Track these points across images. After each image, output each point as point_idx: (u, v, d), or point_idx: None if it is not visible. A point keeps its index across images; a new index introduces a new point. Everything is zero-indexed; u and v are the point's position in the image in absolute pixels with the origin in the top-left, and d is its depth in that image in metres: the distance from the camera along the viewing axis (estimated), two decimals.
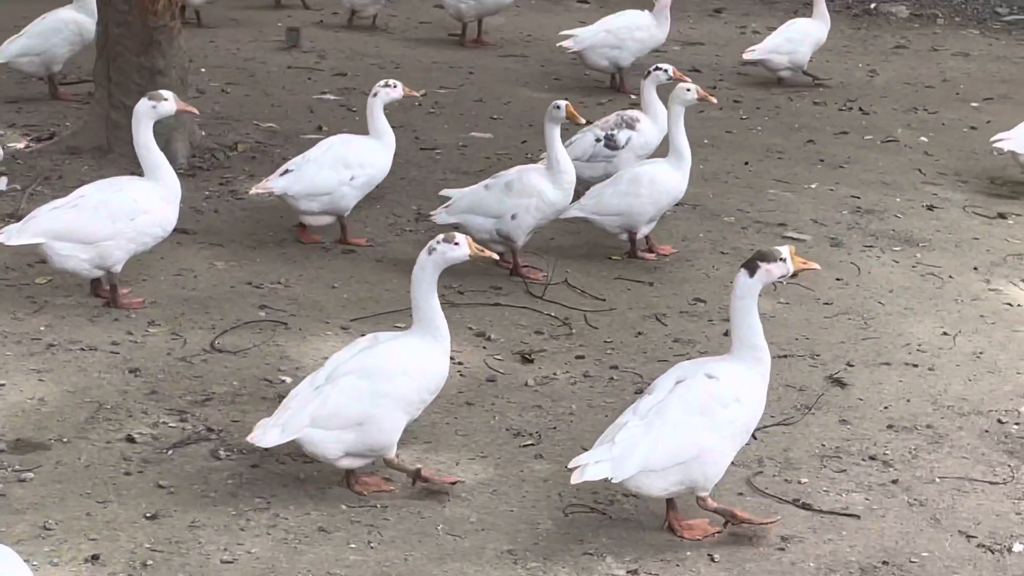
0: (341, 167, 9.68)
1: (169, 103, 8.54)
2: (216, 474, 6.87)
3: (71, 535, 6.29)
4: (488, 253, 6.83)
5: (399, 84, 9.88)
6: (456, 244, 6.62)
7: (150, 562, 6.13)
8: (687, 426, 6.30)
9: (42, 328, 8.39)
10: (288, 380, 7.88)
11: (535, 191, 9.38)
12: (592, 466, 6.23)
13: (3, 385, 7.67)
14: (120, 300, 8.71)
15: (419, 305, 6.67)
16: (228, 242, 9.94)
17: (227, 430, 7.30)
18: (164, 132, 11.23)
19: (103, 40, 11.49)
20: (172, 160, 10.87)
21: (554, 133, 9.38)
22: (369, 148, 9.83)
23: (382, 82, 9.91)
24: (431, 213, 9.75)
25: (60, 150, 11.55)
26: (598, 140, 10.76)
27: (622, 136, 10.76)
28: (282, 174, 9.71)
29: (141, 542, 6.27)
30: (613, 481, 6.25)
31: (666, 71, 10.59)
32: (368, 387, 6.51)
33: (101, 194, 8.59)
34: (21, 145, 11.80)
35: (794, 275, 6.50)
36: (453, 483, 6.78)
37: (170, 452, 7.06)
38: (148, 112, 8.53)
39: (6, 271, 9.18)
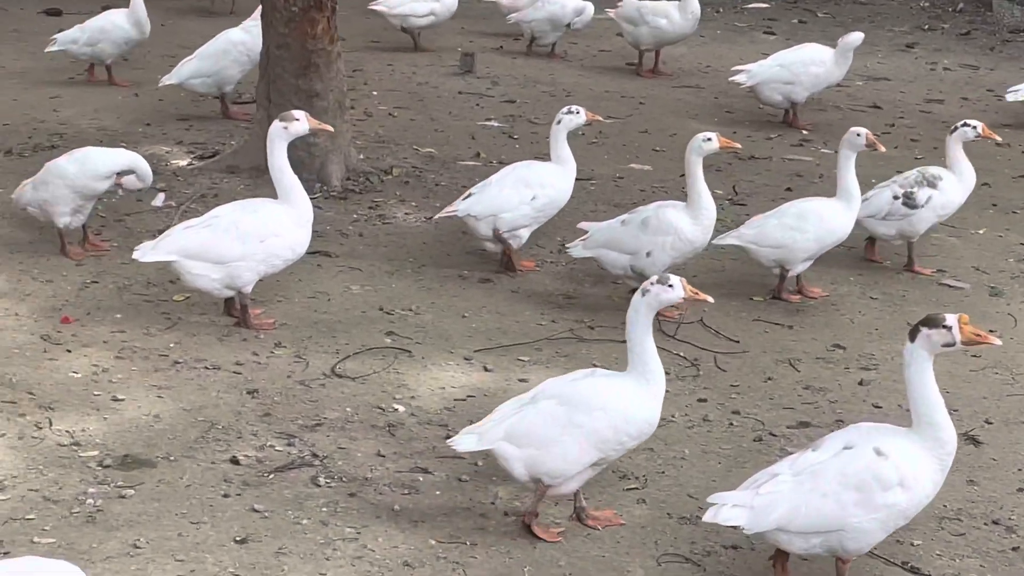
0: (522, 187, 9.65)
1: (301, 123, 8.60)
2: (312, 501, 6.86)
3: (159, 555, 6.33)
4: (703, 296, 6.68)
5: (582, 110, 9.81)
6: (670, 286, 6.50)
7: None
8: (838, 499, 6.03)
9: (171, 345, 8.51)
10: (401, 409, 7.85)
11: (672, 228, 9.21)
12: (728, 508, 6.07)
13: (122, 400, 7.78)
14: (250, 320, 8.79)
15: (633, 347, 6.55)
16: (367, 266, 9.98)
17: (331, 457, 7.30)
18: (320, 154, 11.41)
19: (265, 61, 11.68)
20: (326, 182, 11.07)
21: (697, 167, 9.20)
22: (552, 172, 9.80)
23: (565, 109, 9.84)
24: (569, 246, 9.64)
25: (220, 168, 11.75)
26: (896, 197, 10.34)
27: (922, 194, 10.38)
28: (465, 198, 9.71)
29: (226, 566, 6.29)
30: (746, 533, 6.04)
31: (974, 128, 10.20)
32: (564, 414, 6.48)
33: (234, 215, 8.69)
34: (184, 163, 12.03)
35: (968, 343, 6.11)
36: (615, 524, 6.72)
37: (271, 476, 7.08)
38: (280, 134, 8.61)
39: (148, 287, 9.34)
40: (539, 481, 6.53)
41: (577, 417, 6.46)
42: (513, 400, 6.74)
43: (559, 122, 9.79)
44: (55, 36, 14.28)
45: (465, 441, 6.51)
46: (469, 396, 8.08)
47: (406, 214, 11.15)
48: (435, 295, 9.58)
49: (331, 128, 8.85)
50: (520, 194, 9.68)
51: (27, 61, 15.46)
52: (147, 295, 9.23)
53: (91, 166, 9.56)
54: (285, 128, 8.60)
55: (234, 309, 8.90)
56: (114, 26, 14.02)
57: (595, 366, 8.47)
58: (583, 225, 9.77)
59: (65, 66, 14.98)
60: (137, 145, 12.24)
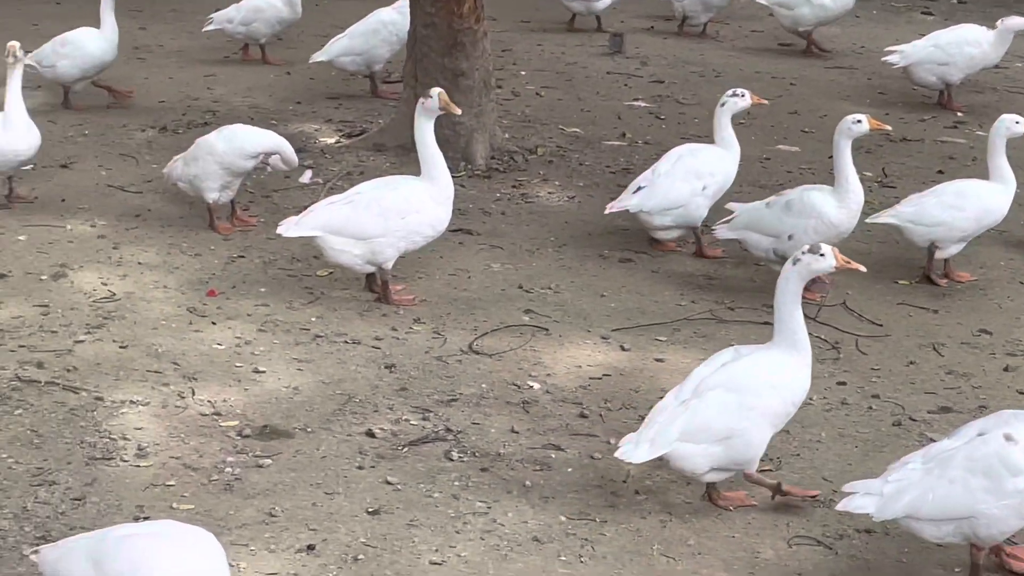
0: (693, 178, 9.61)
1: (433, 100, 8.65)
2: (444, 475, 6.92)
3: (293, 524, 6.44)
4: (855, 265, 6.66)
5: (747, 93, 9.73)
6: (821, 255, 6.50)
7: (361, 557, 6.22)
8: (965, 485, 5.91)
9: (313, 319, 8.64)
10: (536, 386, 7.88)
11: (816, 212, 9.09)
12: (859, 497, 6.03)
13: (264, 372, 7.92)
14: (391, 296, 8.89)
15: (782, 317, 6.55)
16: (508, 245, 10.02)
17: (465, 432, 7.35)
18: (466, 133, 11.47)
19: (412, 41, 11.78)
20: (470, 161, 11.13)
21: (846, 149, 9.07)
22: (717, 156, 9.73)
23: (730, 91, 9.76)
24: (713, 226, 9.57)
25: (367, 146, 11.89)
26: None
27: None
28: (635, 191, 9.70)
29: (358, 536, 6.37)
30: (875, 519, 5.99)
31: None
32: (736, 400, 6.47)
33: (376, 192, 8.79)
34: (332, 140, 12.19)
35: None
36: (814, 496, 6.67)
37: (405, 449, 7.16)
38: (420, 111, 8.68)
39: (292, 262, 9.49)
40: (727, 470, 6.57)
41: (749, 400, 6.46)
42: (670, 396, 6.65)
43: (723, 104, 9.71)
44: (212, 16, 14.54)
45: (639, 452, 6.41)
46: (605, 375, 8.07)
47: (549, 193, 11.17)
48: (575, 274, 9.58)
49: (458, 110, 8.87)
50: (692, 185, 9.63)
51: (184, 40, 15.78)
52: (291, 270, 9.37)
53: (239, 143, 9.73)
54: (423, 104, 8.67)
55: (375, 285, 8.99)
56: (268, 5, 14.25)
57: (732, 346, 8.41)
58: (731, 205, 9.67)
59: (221, 45, 15.26)
60: (287, 123, 12.44)
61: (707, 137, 12.07)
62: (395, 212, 8.66)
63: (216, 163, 9.71)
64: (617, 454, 6.50)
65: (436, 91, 8.75)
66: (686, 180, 9.60)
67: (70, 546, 5.38)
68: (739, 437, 6.46)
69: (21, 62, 9.83)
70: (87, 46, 12.33)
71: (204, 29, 14.60)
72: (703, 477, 6.57)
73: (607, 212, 9.79)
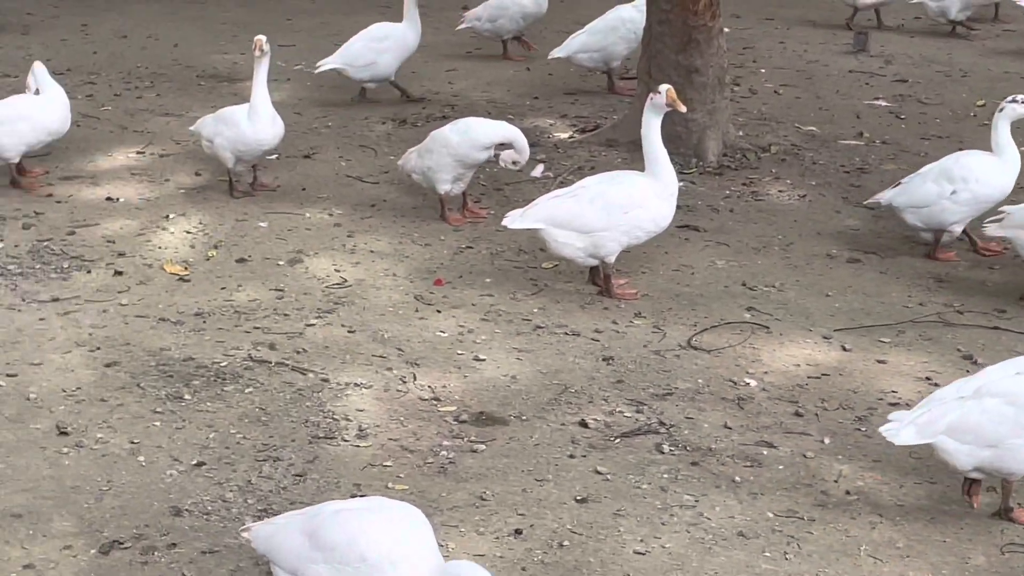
0: (944, 180, 9.47)
1: (660, 96, 8.69)
2: (654, 467, 6.98)
3: (502, 508, 6.58)
4: None
5: None
6: None
7: (567, 543, 6.32)
8: (999, 413, 6.31)
9: (535, 310, 8.78)
10: (752, 384, 7.87)
11: None
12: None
13: (483, 360, 8.09)
14: (614, 290, 8.97)
15: None
16: (735, 242, 10.00)
17: (678, 426, 7.39)
18: (698, 130, 11.49)
19: (647, 37, 11.84)
20: (702, 157, 11.15)
21: None
22: (983, 164, 9.48)
23: (1010, 97, 9.51)
24: (984, 224, 9.30)
25: (599, 142, 12.00)
26: None
27: None
28: (895, 186, 9.65)
29: (564, 523, 6.48)
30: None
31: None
32: (1012, 414, 6.38)
33: (600, 186, 8.88)
34: (565, 135, 12.33)
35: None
36: None
37: (617, 440, 7.23)
38: (648, 107, 8.74)
39: (519, 254, 9.65)
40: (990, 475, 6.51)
41: None
42: (951, 389, 6.58)
43: (1001, 110, 9.49)
44: (464, 14, 14.87)
45: (904, 434, 6.39)
46: (824, 375, 8.02)
47: (780, 191, 11.10)
48: (800, 273, 9.51)
49: (684, 107, 8.87)
50: (940, 188, 9.46)
51: (431, 36, 16.05)
52: (517, 262, 9.53)
53: (472, 136, 9.92)
54: (650, 100, 8.73)
55: (598, 278, 9.08)
56: (513, 2, 14.48)
57: (958, 351, 8.27)
58: (1004, 208, 9.40)
59: (464, 40, 15.55)
60: (523, 118, 12.62)
61: (949, 138, 11.88)
62: (618, 207, 8.74)
63: (449, 155, 9.93)
64: (882, 430, 6.48)
65: (664, 87, 8.78)
66: (936, 182, 9.43)
67: (283, 522, 5.61)
68: (1008, 451, 6.36)
69: (267, 55, 10.19)
70: (405, 38, 12.70)
71: (457, 28, 14.90)
72: (966, 473, 6.49)
73: (866, 202, 9.77)
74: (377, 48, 12.74)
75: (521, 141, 9.84)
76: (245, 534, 5.74)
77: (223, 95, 13.13)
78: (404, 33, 12.79)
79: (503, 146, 9.89)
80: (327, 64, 12.70)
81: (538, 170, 11.29)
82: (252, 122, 10.24)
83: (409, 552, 5.25)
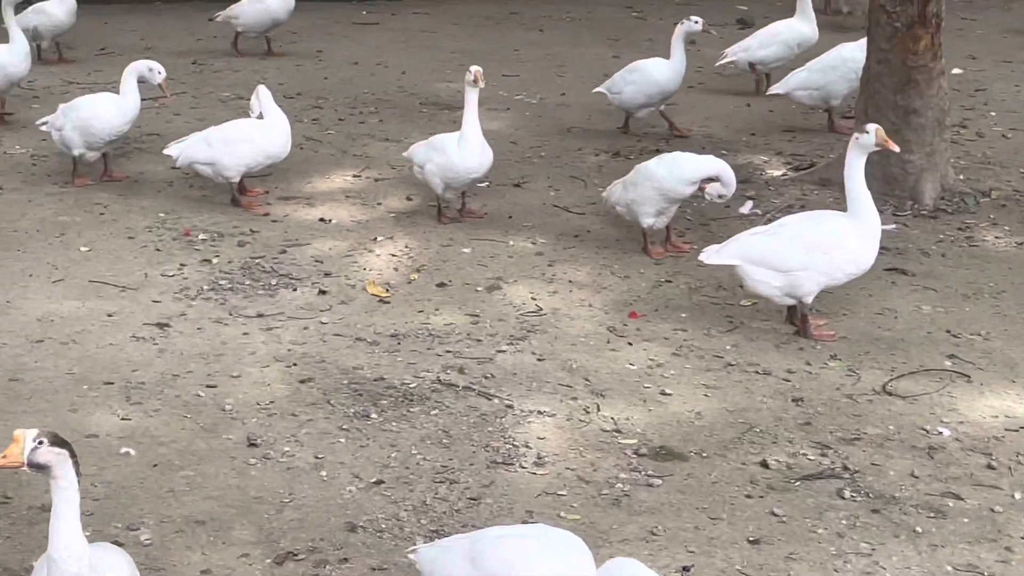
0: None
1: (868, 136, 8.55)
2: (833, 512, 6.87)
3: (672, 544, 6.55)
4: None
5: None
6: None
7: None
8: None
9: (728, 347, 8.72)
10: (945, 432, 7.68)
11: None
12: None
13: (670, 395, 8.07)
14: (810, 330, 8.86)
15: None
16: (943, 287, 9.77)
17: (863, 472, 7.26)
18: (915, 172, 11.29)
19: (866, 76, 11.67)
20: (918, 200, 10.94)
21: None
22: None
23: None
24: None
25: (812, 180, 11.85)
26: None
27: None
28: None
29: (734, 563, 6.42)
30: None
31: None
32: None
33: (799, 225, 8.78)
34: (778, 173, 12.22)
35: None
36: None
37: (797, 483, 7.14)
38: (853, 146, 8.61)
39: (717, 290, 9.60)
40: None
41: None
42: None
43: None
44: (725, 51, 14.88)
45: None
46: (1022, 428, 7.76)
47: (996, 238, 10.80)
48: (1009, 322, 9.24)
49: (896, 148, 8.71)
50: None
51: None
52: (715, 298, 9.48)
53: (679, 170, 9.91)
54: (856, 139, 8.60)
55: (796, 318, 8.97)
56: (788, 28, 14.40)
57: None
58: None
59: (686, 76, 15.51)
60: (737, 153, 12.55)
61: None
62: (817, 247, 8.62)
63: (654, 189, 9.93)
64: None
65: (872, 127, 8.65)
66: None
67: (447, 545, 5.68)
68: None
69: (479, 86, 10.33)
70: (654, 74, 12.82)
71: (717, 64, 14.89)
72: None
73: None
74: (628, 79, 12.81)
75: (728, 175, 9.78)
76: (411, 555, 5.82)
77: (443, 122, 13.36)
78: (654, 69, 12.77)
79: (709, 179, 9.84)
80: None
81: (747, 207, 11.21)
82: (462, 150, 10.41)
83: None
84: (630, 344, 8.74)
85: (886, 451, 7.49)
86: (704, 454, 7.42)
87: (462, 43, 17.51)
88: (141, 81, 10.89)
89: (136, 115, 10.94)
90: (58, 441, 4.82)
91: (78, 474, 4.88)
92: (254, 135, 10.69)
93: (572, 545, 5.45)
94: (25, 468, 4.80)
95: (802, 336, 8.88)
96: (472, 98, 10.38)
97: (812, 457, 7.41)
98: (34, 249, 9.98)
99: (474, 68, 10.41)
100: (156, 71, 10.88)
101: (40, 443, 4.79)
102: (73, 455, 4.86)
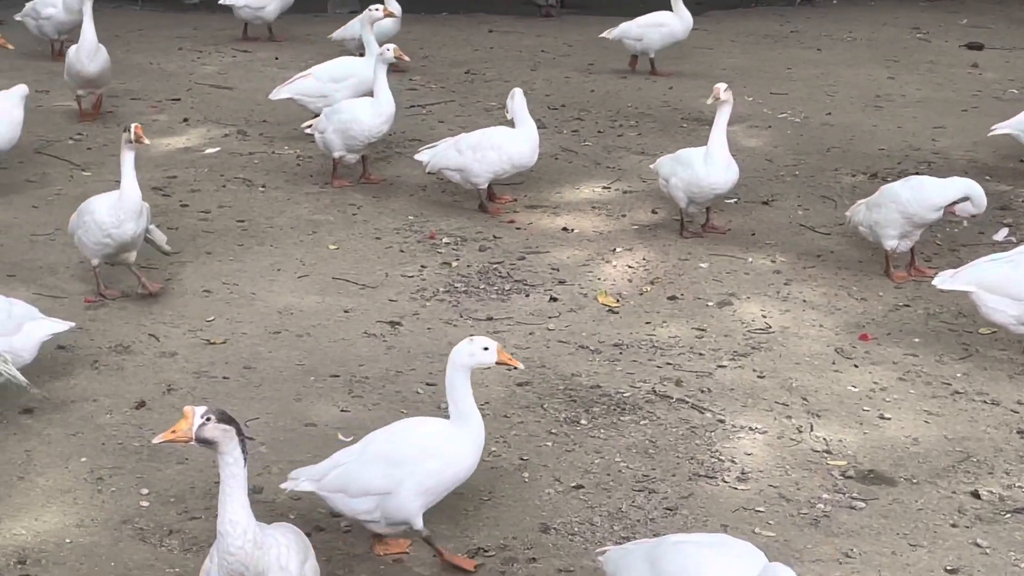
0: None
1: None
2: None
3: (866, 568, 6.48)
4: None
5: None
6: None
7: None
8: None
9: (958, 375, 8.52)
10: None
11: None
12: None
13: (888, 419, 7.93)
14: None
15: None
16: None
17: None
18: None
19: None
20: None
21: None
22: None
23: None
24: None
25: None
26: None
27: None
28: None
29: None
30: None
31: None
32: None
33: None
34: None
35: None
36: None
37: (1008, 516, 6.94)
38: None
39: (956, 316, 9.37)
40: None
41: None
42: None
43: None
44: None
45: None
46: None
47: None
48: None
49: None
50: None
51: (929, 91, 15.77)
52: (953, 324, 9.25)
53: (924, 195, 9.70)
54: None
55: None
56: None
57: None
58: None
59: (964, 99, 15.15)
60: (1000, 180, 12.19)
61: None
62: None
63: (898, 211, 9.74)
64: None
65: None
66: None
67: (631, 548, 5.76)
68: None
69: (727, 103, 10.30)
70: None
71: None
72: None
73: None
74: None
75: (977, 193, 9.54)
76: (600, 557, 5.90)
77: (701, 138, 13.26)
78: None
79: (956, 201, 9.60)
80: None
81: (1002, 233, 10.88)
82: (707, 166, 10.41)
83: None
84: (856, 366, 8.60)
85: None
86: (914, 480, 7.27)
87: (736, 60, 17.44)
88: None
89: (391, 115, 11.26)
90: (225, 418, 5.06)
91: (245, 452, 5.10)
92: (502, 143, 10.91)
93: (750, 556, 5.44)
94: (193, 443, 5.04)
95: None
96: (721, 115, 10.36)
97: None
98: (285, 245, 10.40)
99: (716, 86, 10.39)
100: (386, 48, 11.18)
101: (208, 419, 5.03)
102: (240, 433, 5.09)
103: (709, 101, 10.40)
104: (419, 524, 6.26)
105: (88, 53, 12.76)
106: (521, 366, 6.60)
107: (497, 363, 6.39)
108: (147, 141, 8.99)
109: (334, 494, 6.34)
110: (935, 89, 15.81)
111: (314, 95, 12.78)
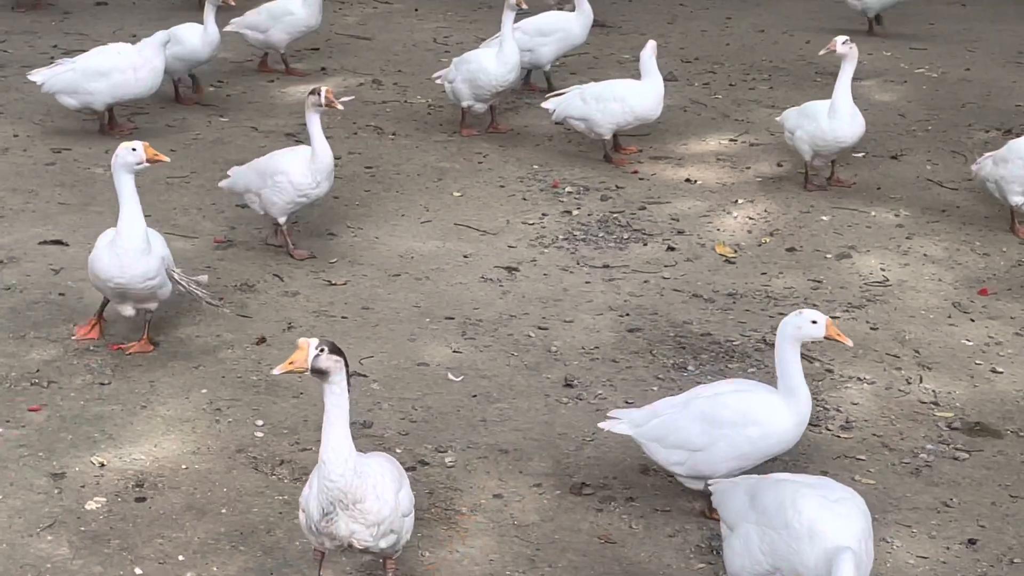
0: None
1: None
2: None
3: (964, 517, 6.51)
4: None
5: None
6: None
7: (1017, 560, 6.19)
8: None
9: None
10: None
11: None
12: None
13: (1000, 373, 7.96)
14: None
15: None
16: None
17: None
18: None
19: None
20: None
21: None
22: None
23: None
24: None
25: None
26: None
27: None
28: None
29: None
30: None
31: None
32: None
33: None
34: None
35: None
36: None
37: None
38: None
39: None
40: None
41: None
42: None
43: None
44: None
45: None
46: None
47: None
48: None
49: None
50: None
51: None
52: None
53: None
54: None
55: None
56: None
57: None
58: None
59: None
60: None
61: None
62: None
63: (1021, 168, 9.63)
64: None
65: None
66: None
67: (737, 481, 5.87)
68: None
69: (849, 57, 10.24)
70: None
71: None
72: None
73: None
74: None
75: None
76: (710, 485, 5.99)
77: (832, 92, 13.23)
78: None
79: None
80: None
81: None
82: (832, 118, 10.37)
83: (832, 530, 5.29)
84: (972, 320, 8.57)
85: None
86: (1021, 433, 7.25)
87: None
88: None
89: (517, 64, 11.37)
90: (336, 350, 5.25)
91: (349, 384, 5.30)
92: (626, 94, 10.96)
93: (849, 500, 5.48)
94: (308, 373, 5.24)
95: None
96: (846, 67, 10.32)
97: None
98: (411, 191, 10.60)
99: (835, 38, 10.29)
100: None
101: (321, 350, 5.23)
102: (347, 364, 5.28)
103: (821, 53, 10.36)
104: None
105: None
106: (851, 343, 6.48)
107: (825, 338, 6.28)
108: (340, 107, 9.11)
109: (650, 442, 6.44)
110: None
111: (521, 48, 12.77)
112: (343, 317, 8.44)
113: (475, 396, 7.55)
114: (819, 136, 10.44)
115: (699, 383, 7.62)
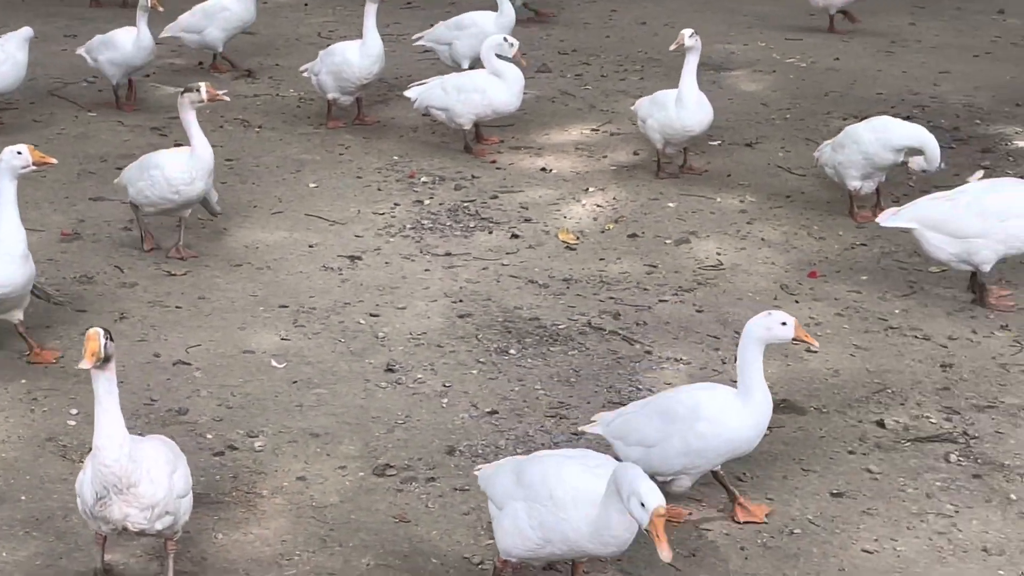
0: None
1: None
2: (931, 474, 6.95)
3: (753, 491, 6.73)
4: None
5: None
6: None
7: (797, 531, 6.47)
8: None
9: (896, 311, 8.77)
10: None
11: None
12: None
13: (815, 353, 8.07)
14: (988, 299, 8.73)
15: None
16: None
17: (981, 438, 7.21)
18: None
19: None
20: None
21: None
22: None
23: None
24: None
25: None
26: None
27: None
28: None
29: (807, 513, 6.61)
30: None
31: None
32: None
33: (977, 192, 8.62)
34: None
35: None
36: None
37: (907, 444, 7.20)
38: None
39: (910, 255, 9.45)
40: None
41: None
42: None
43: None
44: None
45: None
46: None
47: None
48: None
49: None
50: None
51: (948, 37, 15.68)
52: (905, 263, 9.38)
53: (885, 136, 9.80)
54: None
55: (976, 285, 8.80)
56: None
57: None
58: None
59: (978, 45, 15.08)
60: (990, 124, 12.23)
61: None
62: (995, 214, 8.47)
63: (860, 152, 9.86)
64: None
65: None
66: None
67: (501, 463, 6.02)
68: None
69: (695, 49, 10.45)
70: None
71: None
72: None
73: None
74: None
75: (932, 149, 9.59)
76: (477, 472, 6.16)
77: (703, 83, 13.43)
78: None
79: (915, 152, 9.70)
80: None
81: (976, 175, 10.89)
82: (679, 108, 10.57)
83: (595, 491, 5.44)
84: (796, 302, 8.78)
85: (1017, 421, 7.36)
86: (824, 410, 7.46)
87: (761, 7, 17.43)
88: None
89: (380, 56, 11.43)
90: (110, 336, 5.37)
91: None
92: (486, 86, 11.11)
93: (604, 466, 5.63)
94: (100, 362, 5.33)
95: (979, 305, 8.71)
96: (690, 59, 10.52)
97: (934, 421, 7.36)
98: (267, 183, 10.72)
99: (682, 32, 10.47)
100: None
101: (110, 339, 5.33)
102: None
103: (672, 48, 10.56)
104: (687, 485, 6.42)
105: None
106: (817, 345, 6.56)
107: (793, 340, 6.25)
108: (226, 99, 9.17)
109: (615, 440, 6.53)
110: (954, 35, 15.76)
111: (443, 42, 12.89)
112: (177, 307, 8.56)
113: (295, 382, 7.69)
114: (668, 124, 10.64)
115: (519, 367, 7.80)
